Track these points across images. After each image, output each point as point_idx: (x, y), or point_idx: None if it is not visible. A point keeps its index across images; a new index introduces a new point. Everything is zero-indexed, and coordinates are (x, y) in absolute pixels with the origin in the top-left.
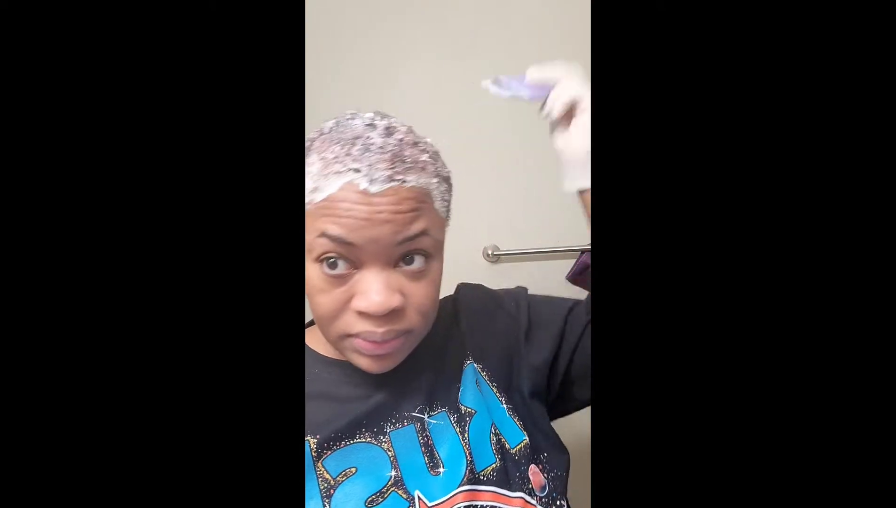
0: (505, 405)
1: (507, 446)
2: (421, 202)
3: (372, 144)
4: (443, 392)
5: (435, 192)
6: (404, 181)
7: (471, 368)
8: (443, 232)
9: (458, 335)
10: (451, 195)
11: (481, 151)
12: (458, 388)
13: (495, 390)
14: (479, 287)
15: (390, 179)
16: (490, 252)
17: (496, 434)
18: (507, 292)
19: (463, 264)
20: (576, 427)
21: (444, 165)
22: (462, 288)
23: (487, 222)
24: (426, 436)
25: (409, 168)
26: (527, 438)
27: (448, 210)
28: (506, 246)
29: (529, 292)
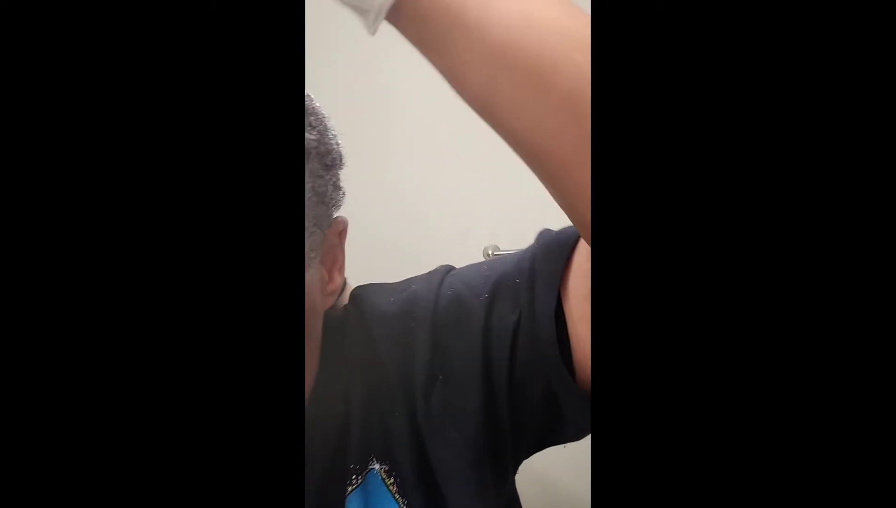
0: None
1: None
2: None
3: None
4: None
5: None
6: None
7: (356, 497)
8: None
9: (356, 411)
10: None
11: (482, 150)
12: None
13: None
14: (373, 294)
15: None
16: (490, 252)
17: None
18: (407, 286)
19: (463, 264)
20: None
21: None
22: (357, 294)
23: (487, 222)
24: None
25: None
26: None
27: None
28: (506, 246)
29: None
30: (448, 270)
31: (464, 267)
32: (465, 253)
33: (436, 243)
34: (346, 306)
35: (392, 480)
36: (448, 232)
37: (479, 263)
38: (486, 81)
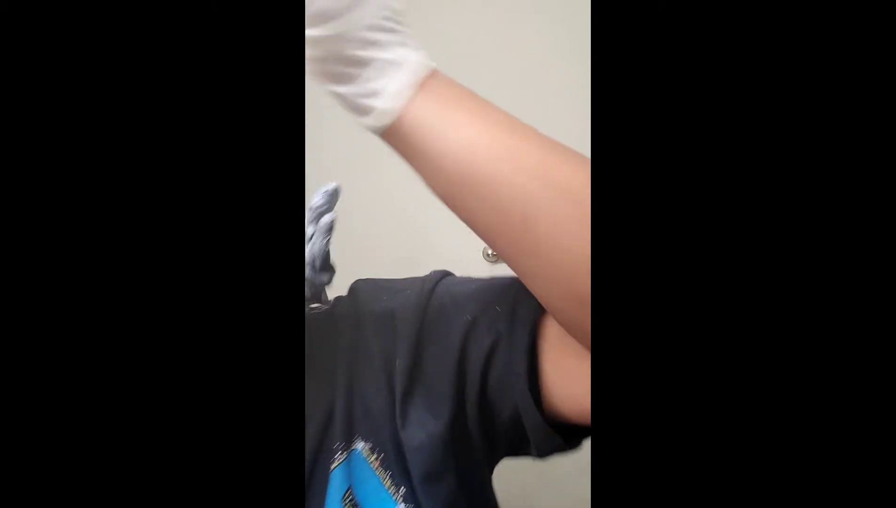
0: (402, 504)
1: None
2: None
3: None
4: None
5: None
6: None
7: (339, 471)
8: None
9: (341, 392)
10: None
11: None
12: None
13: (388, 482)
14: (373, 284)
15: None
16: (490, 252)
17: None
18: (403, 288)
19: (462, 264)
20: None
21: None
22: (357, 287)
23: None
24: None
25: None
26: None
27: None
28: None
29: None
30: (441, 277)
31: (457, 279)
32: (463, 254)
33: (436, 242)
34: (342, 297)
35: (375, 456)
36: (447, 232)
37: (470, 280)
38: (447, 195)
